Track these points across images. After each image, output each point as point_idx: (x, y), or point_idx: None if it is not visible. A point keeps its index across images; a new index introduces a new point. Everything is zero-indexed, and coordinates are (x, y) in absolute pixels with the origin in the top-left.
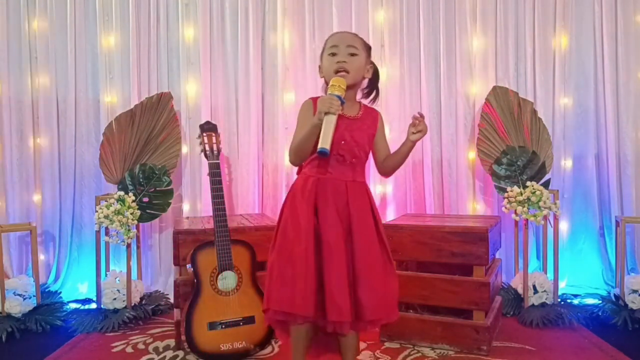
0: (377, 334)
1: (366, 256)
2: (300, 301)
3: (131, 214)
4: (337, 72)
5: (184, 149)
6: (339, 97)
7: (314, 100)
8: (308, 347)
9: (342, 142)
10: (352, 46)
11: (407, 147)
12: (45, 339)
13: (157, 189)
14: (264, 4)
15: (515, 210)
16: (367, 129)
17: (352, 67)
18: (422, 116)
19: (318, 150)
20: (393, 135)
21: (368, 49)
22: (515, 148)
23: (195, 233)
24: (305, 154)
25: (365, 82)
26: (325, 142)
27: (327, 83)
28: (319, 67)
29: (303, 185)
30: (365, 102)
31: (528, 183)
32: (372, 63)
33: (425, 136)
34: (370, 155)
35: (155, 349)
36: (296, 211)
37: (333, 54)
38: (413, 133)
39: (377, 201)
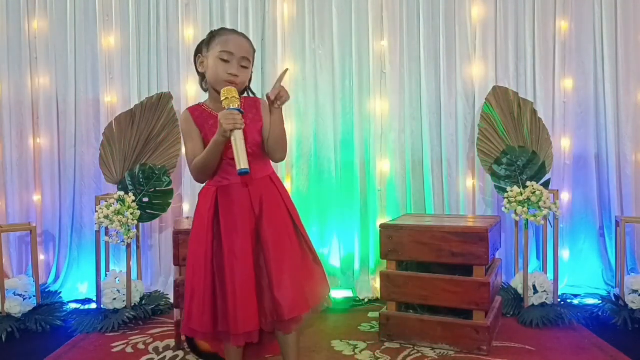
0: (377, 334)
1: (276, 255)
2: (197, 317)
3: (131, 214)
4: (226, 82)
5: (184, 149)
6: (238, 109)
7: (191, 110)
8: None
9: (229, 144)
10: (246, 58)
11: (275, 115)
12: (45, 339)
13: (157, 189)
14: (264, 4)
15: (515, 210)
16: (251, 123)
17: (241, 81)
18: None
19: (239, 171)
20: (392, 135)
21: (254, 53)
22: (515, 148)
23: None
24: (212, 171)
25: None
26: (243, 162)
27: (202, 77)
28: (199, 60)
29: (204, 198)
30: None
31: (528, 183)
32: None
33: (425, 136)
34: None
35: (155, 349)
36: (197, 226)
37: (225, 61)
38: (276, 103)
39: (377, 201)
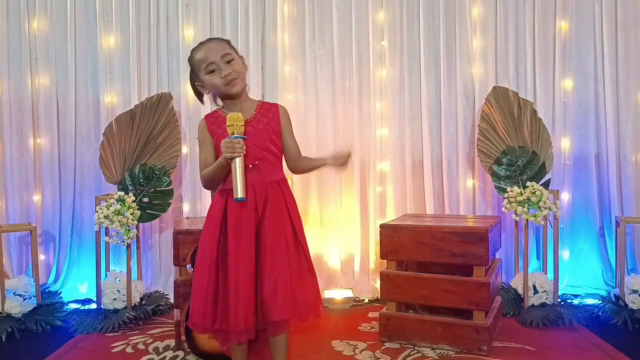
0: (377, 334)
1: (271, 257)
2: (199, 312)
3: (131, 214)
4: (227, 84)
5: (184, 149)
6: (240, 137)
7: (207, 117)
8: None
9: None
10: (225, 54)
11: (320, 166)
12: (45, 339)
13: (157, 189)
14: (264, 3)
15: (515, 211)
16: (264, 128)
17: (236, 70)
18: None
19: (235, 199)
20: (392, 135)
21: (232, 46)
22: (515, 148)
23: (195, 233)
24: (217, 184)
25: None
26: (239, 191)
27: (215, 95)
28: (199, 87)
29: (216, 200)
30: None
31: (528, 183)
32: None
33: (425, 136)
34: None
35: (155, 349)
36: (207, 226)
37: (212, 71)
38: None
39: (377, 201)
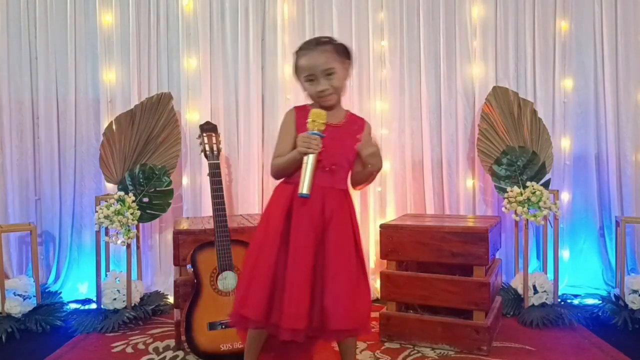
0: (377, 334)
1: (335, 264)
2: (252, 305)
3: (131, 214)
4: (320, 98)
5: (184, 149)
6: (318, 134)
7: (297, 110)
8: (259, 350)
9: (322, 148)
10: (327, 69)
11: (368, 171)
12: (45, 339)
13: (157, 189)
14: (264, 3)
15: (515, 211)
16: (349, 137)
17: (334, 87)
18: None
19: (299, 194)
20: (392, 135)
21: (340, 52)
22: (515, 148)
23: (195, 233)
24: (286, 175)
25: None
26: (305, 187)
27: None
28: (299, 82)
29: (280, 192)
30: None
31: (528, 183)
32: (348, 60)
33: (425, 136)
34: None
35: (155, 349)
36: (268, 218)
37: (311, 80)
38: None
39: (377, 201)
